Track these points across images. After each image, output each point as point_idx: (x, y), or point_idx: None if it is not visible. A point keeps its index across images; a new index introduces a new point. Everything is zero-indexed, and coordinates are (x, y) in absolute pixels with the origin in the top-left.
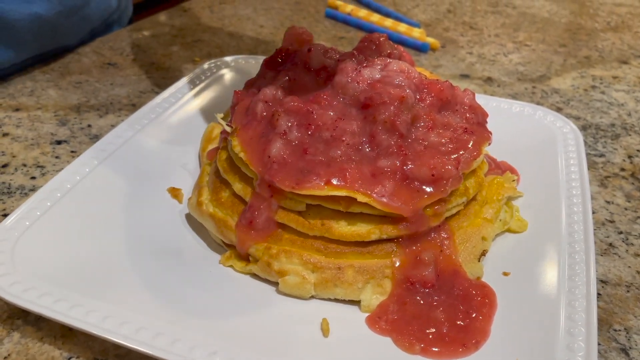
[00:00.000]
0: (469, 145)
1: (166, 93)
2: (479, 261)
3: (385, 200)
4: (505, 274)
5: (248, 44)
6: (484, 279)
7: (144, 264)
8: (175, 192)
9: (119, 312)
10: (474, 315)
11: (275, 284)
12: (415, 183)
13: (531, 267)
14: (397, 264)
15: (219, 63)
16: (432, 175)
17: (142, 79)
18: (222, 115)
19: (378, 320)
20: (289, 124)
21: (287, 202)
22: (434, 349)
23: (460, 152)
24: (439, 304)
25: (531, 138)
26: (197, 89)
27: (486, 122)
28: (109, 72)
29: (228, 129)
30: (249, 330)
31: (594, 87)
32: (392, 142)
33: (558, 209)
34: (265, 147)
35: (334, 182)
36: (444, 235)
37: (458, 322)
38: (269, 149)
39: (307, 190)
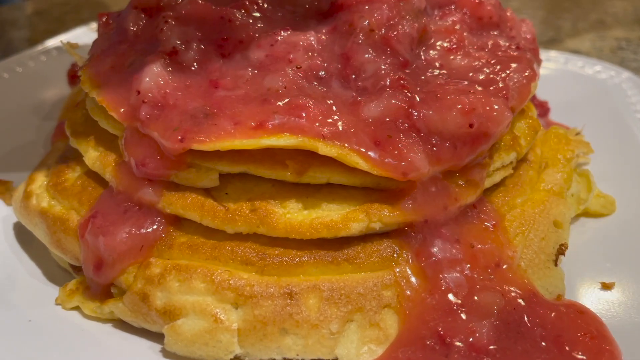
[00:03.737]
0: (517, 64)
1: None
2: (555, 265)
3: (373, 154)
4: (605, 286)
5: None
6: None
7: None
8: (1, 187)
9: None
10: None
11: (159, 336)
12: (435, 141)
13: None
14: (409, 279)
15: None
16: (470, 125)
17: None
18: (77, 45)
19: None
20: (184, 39)
21: (184, 175)
22: None
23: (507, 74)
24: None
25: (574, 94)
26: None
27: None
28: None
29: (80, 61)
30: None
31: (621, 48)
32: (384, 68)
33: None
34: (134, 77)
35: (273, 123)
36: (487, 221)
37: None
38: (138, 79)
39: (214, 143)
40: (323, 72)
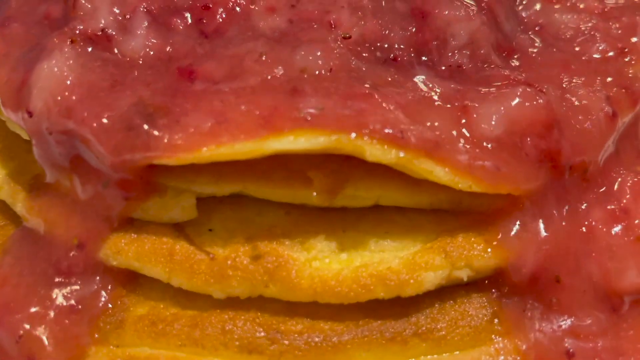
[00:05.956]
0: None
1: None
2: None
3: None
4: None
5: None
6: None
7: None
8: None
9: None
10: None
11: None
12: None
13: None
14: None
15: None
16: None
17: None
18: None
19: None
20: (121, 12)
21: (148, 206)
22: None
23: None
24: None
25: None
26: None
27: None
28: None
29: None
30: None
31: None
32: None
33: None
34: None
35: (289, 115)
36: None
37: None
38: (27, 93)
39: (179, 155)
40: (387, 44)
